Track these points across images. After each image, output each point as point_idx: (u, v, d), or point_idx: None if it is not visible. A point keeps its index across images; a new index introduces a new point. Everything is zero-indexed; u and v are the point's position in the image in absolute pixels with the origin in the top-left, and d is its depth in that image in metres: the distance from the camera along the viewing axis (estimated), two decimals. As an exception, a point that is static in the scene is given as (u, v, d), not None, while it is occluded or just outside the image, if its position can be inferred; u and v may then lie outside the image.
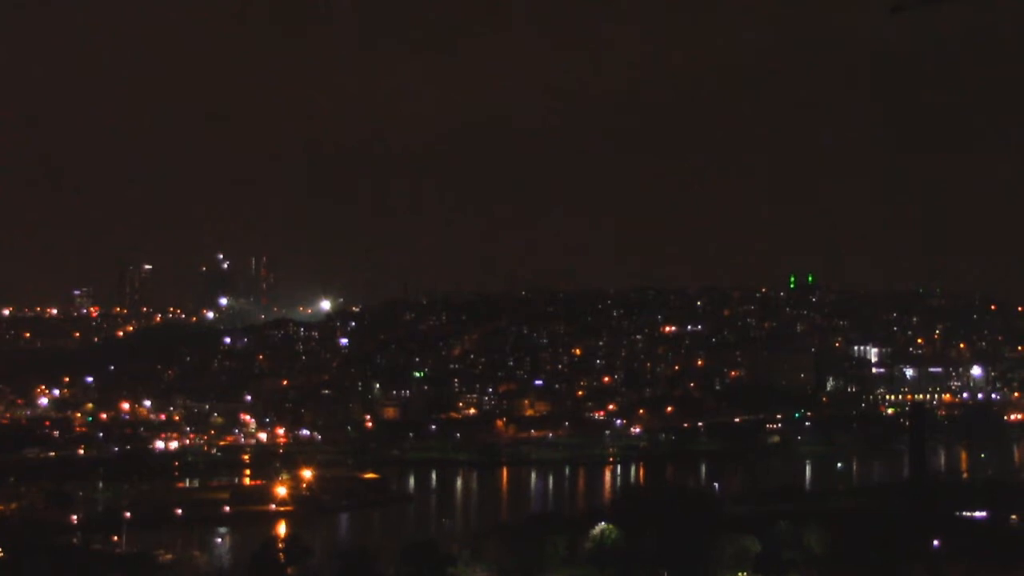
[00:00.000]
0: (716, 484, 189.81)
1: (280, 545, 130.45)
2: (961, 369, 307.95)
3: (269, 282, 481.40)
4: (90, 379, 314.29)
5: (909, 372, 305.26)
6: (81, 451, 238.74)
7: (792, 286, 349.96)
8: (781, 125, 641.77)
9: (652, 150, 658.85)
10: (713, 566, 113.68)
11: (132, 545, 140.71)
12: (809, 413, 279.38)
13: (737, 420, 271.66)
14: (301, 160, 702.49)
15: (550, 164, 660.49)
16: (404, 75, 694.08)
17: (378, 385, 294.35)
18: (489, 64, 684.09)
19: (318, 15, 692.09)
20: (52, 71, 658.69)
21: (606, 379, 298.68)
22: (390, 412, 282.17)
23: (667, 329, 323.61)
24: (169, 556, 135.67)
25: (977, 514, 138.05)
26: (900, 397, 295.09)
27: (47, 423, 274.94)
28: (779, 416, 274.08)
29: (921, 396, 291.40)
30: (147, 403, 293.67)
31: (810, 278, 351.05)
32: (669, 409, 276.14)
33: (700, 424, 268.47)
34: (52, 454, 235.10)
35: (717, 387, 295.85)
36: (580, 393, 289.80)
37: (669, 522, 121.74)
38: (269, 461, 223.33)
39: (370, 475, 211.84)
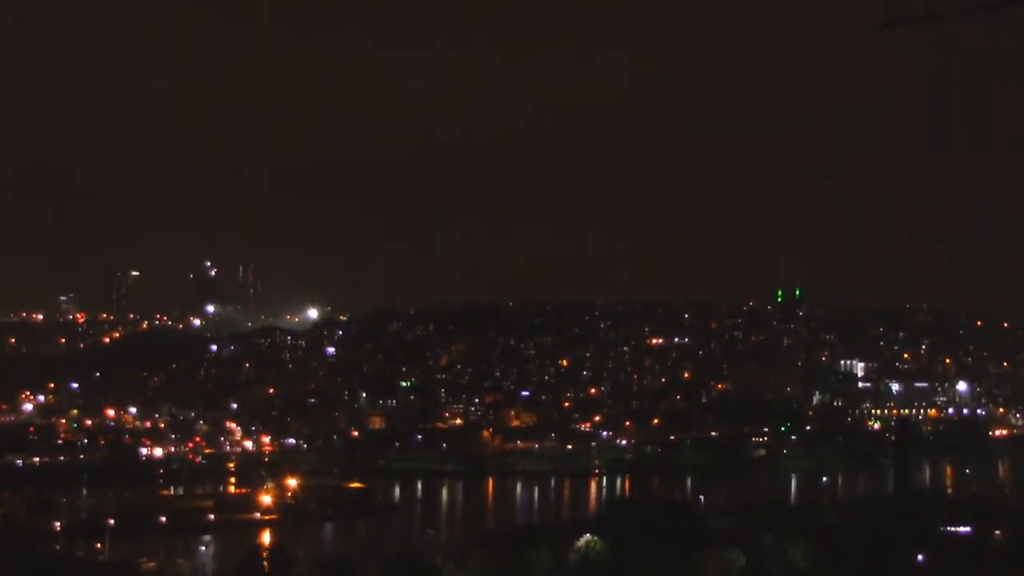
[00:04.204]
0: (701, 497, 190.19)
1: (264, 554, 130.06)
2: (947, 384, 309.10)
3: (256, 290, 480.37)
4: (75, 385, 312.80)
5: (895, 387, 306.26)
6: (64, 458, 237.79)
7: (779, 300, 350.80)
8: (770, 140, 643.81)
9: (642, 163, 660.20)
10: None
11: (115, 553, 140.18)
12: (796, 427, 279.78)
13: (723, 433, 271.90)
14: (290, 168, 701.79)
15: (539, 175, 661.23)
16: (395, 84, 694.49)
17: (364, 394, 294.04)
18: (479, 74, 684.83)
19: (311, 23, 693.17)
20: (40, 75, 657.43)
21: (593, 391, 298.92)
22: (376, 421, 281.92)
23: (654, 341, 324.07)
24: (153, 564, 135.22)
25: (961, 529, 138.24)
26: (886, 412, 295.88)
27: (31, 429, 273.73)
28: (765, 429, 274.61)
29: (907, 411, 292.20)
30: (132, 410, 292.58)
31: (797, 292, 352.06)
32: (655, 421, 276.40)
33: (686, 437, 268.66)
34: (36, 460, 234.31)
35: (704, 400, 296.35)
36: (566, 404, 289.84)
37: (654, 534, 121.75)
38: (254, 469, 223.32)
39: (355, 484, 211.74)
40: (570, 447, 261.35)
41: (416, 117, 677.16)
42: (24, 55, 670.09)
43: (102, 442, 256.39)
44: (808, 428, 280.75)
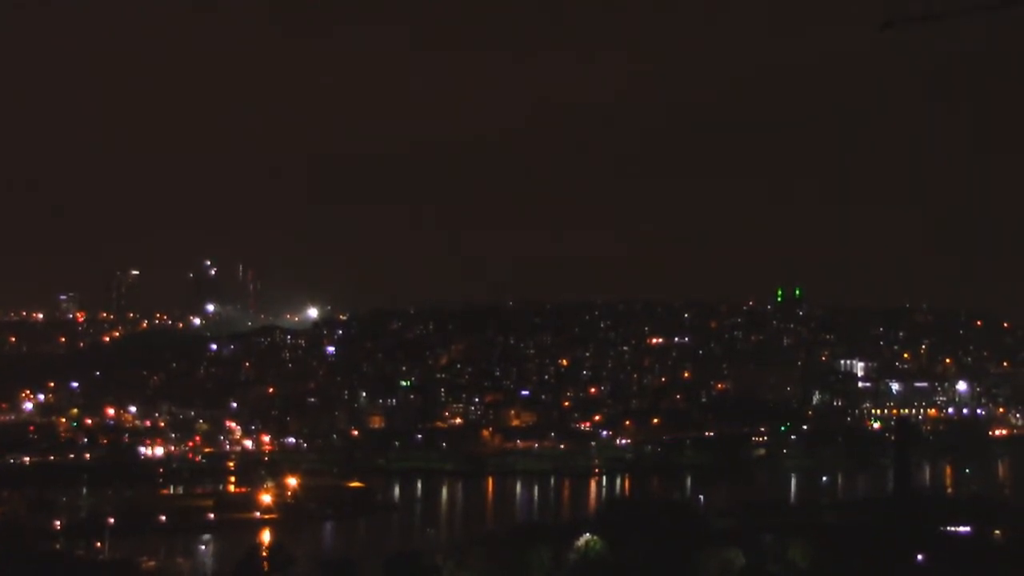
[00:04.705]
0: (701, 496, 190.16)
1: (264, 553, 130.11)
2: (947, 384, 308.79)
3: (256, 289, 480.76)
4: (75, 384, 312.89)
5: (895, 387, 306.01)
6: (64, 457, 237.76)
7: (779, 300, 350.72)
8: (770, 140, 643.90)
9: (640, 163, 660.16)
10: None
11: (115, 552, 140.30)
12: (796, 427, 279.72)
13: (723, 433, 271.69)
14: (290, 168, 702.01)
15: (539, 175, 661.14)
16: (393, 84, 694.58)
17: (364, 394, 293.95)
18: (479, 74, 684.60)
19: (311, 22, 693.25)
20: (40, 73, 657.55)
21: (592, 390, 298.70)
22: (376, 421, 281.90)
23: (654, 341, 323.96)
24: (152, 563, 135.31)
25: (961, 529, 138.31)
26: (886, 412, 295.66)
27: (31, 428, 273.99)
28: (765, 429, 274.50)
29: (907, 411, 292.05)
30: (132, 409, 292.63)
31: (797, 292, 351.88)
32: (655, 421, 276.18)
33: (686, 436, 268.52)
34: (26, 460, 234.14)
35: (703, 400, 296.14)
36: (566, 404, 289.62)
37: (654, 534, 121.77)
38: (254, 469, 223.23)
39: (355, 484, 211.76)
40: (563, 446, 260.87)
41: (416, 117, 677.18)
42: (24, 55, 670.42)
43: (103, 441, 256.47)
44: (808, 428, 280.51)
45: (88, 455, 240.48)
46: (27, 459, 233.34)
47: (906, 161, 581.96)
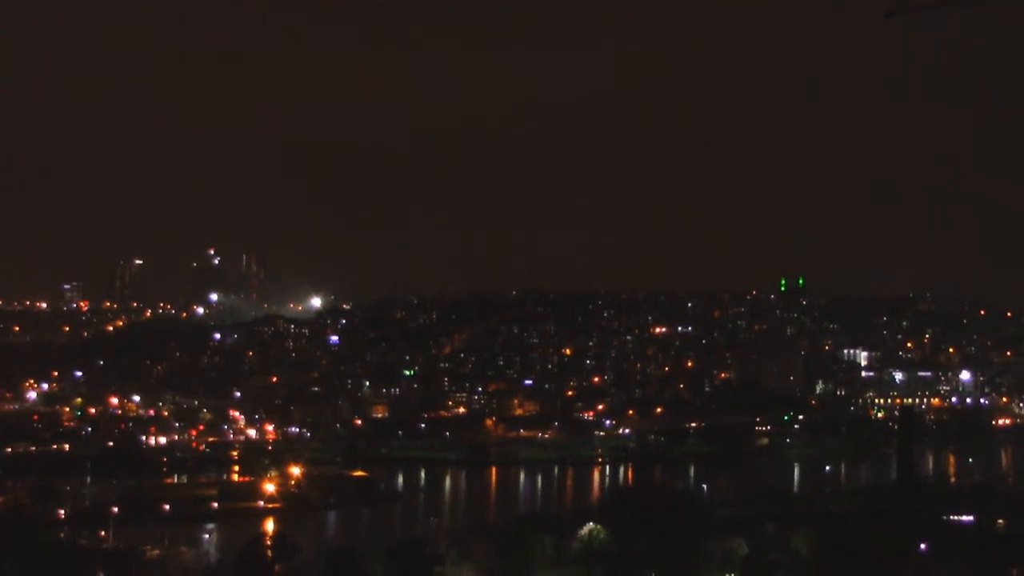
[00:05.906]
0: (704, 486, 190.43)
1: (267, 542, 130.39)
2: (950, 374, 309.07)
3: (260, 279, 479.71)
4: (79, 374, 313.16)
5: (898, 376, 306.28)
6: (68, 446, 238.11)
7: (782, 289, 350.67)
8: (774, 128, 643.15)
9: (643, 152, 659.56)
10: (700, 568, 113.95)
11: (119, 541, 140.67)
12: (799, 416, 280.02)
13: (726, 422, 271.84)
14: (293, 158, 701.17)
15: (541, 166, 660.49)
16: (396, 76, 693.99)
17: (368, 383, 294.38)
18: (479, 73, 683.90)
19: (314, 13, 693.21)
20: (44, 64, 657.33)
21: (596, 380, 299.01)
22: (379, 410, 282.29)
23: (657, 330, 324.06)
24: (156, 552, 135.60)
25: (964, 518, 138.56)
26: (889, 401, 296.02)
27: (35, 417, 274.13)
28: (768, 419, 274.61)
29: (910, 400, 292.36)
30: (136, 398, 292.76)
31: (800, 281, 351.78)
32: (658, 410, 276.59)
33: (689, 426, 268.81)
34: (39, 448, 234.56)
35: (707, 389, 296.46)
36: (570, 393, 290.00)
37: (657, 523, 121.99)
38: (258, 458, 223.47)
39: (358, 473, 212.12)
40: (566, 436, 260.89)
41: (417, 111, 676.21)
42: (25, 51, 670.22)
43: (112, 431, 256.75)
44: (811, 417, 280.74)
45: (92, 444, 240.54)
46: (40, 447, 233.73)
47: (907, 155, 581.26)
